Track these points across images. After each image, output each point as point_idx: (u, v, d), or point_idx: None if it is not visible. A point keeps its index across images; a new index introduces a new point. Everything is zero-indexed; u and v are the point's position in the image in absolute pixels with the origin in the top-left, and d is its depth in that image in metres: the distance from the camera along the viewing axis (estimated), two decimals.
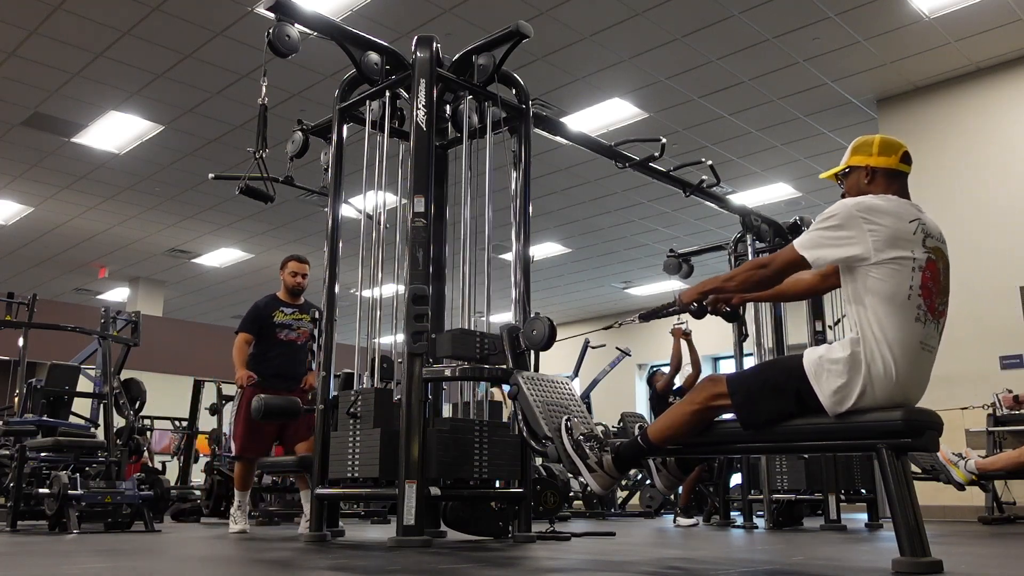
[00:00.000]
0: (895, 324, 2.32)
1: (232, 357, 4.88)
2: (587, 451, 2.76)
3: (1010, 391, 6.53)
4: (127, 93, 7.64)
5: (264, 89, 4.09)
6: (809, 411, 2.39)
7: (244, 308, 5.23)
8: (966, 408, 6.76)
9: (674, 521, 6.20)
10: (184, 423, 8.97)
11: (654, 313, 2.97)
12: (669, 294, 13.57)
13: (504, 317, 4.21)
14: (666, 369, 7.05)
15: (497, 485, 3.91)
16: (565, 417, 2.89)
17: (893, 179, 2.52)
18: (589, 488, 2.80)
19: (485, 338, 3.71)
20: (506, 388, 3.37)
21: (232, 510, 4.71)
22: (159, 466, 8.75)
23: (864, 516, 6.28)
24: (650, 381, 7.20)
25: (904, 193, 2.52)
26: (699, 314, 2.79)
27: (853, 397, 2.32)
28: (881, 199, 2.42)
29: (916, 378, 2.37)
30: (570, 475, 6.46)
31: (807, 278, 2.76)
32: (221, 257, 12.53)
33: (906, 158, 2.56)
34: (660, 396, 6.87)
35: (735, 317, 2.93)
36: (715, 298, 2.74)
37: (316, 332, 5.02)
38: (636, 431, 2.71)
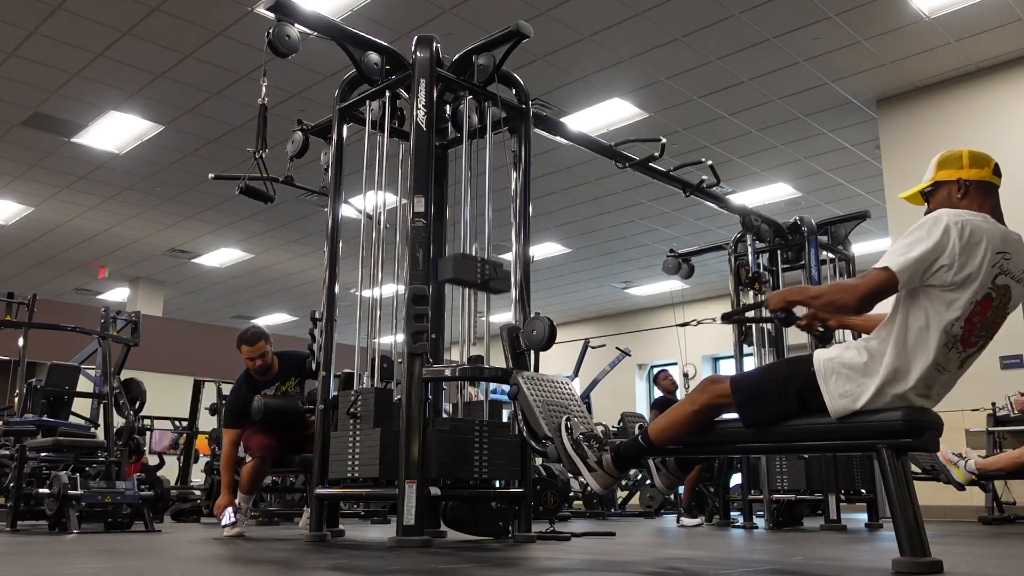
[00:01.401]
0: (926, 346, 2.27)
1: (222, 460, 4.61)
2: (587, 451, 2.77)
3: (1022, 393, 6.51)
4: (127, 93, 7.64)
5: (264, 89, 4.09)
6: (810, 411, 2.38)
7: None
8: (976, 410, 6.75)
9: (678, 521, 6.20)
10: (184, 423, 8.97)
11: (737, 313, 2.89)
12: (668, 295, 13.59)
13: (504, 317, 4.21)
14: (670, 368, 7.07)
15: (497, 485, 3.91)
16: (565, 417, 2.89)
17: (988, 193, 2.38)
18: (589, 488, 2.80)
19: (486, 263, 3.75)
20: (506, 388, 3.37)
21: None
22: (155, 459, 8.77)
23: (864, 516, 6.27)
24: (656, 381, 7.26)
25: (999, 210, 2.38)
26: (786, 322, 2.68)
27: (861, 402, 2.31)
28: (979, 218, 2.28)
29: (927, 394, 2.34)
30: (570, 475, 6.46)
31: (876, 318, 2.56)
32: (221, 257, 12.54)
33: (998, 170, 2.42)
34: (667, 402, 6.90)
35: (827, 339, 2.79)
36: (812, 315, 2.64)
37: (304, 381, 4.79)
38: (636, 431, 2.72)
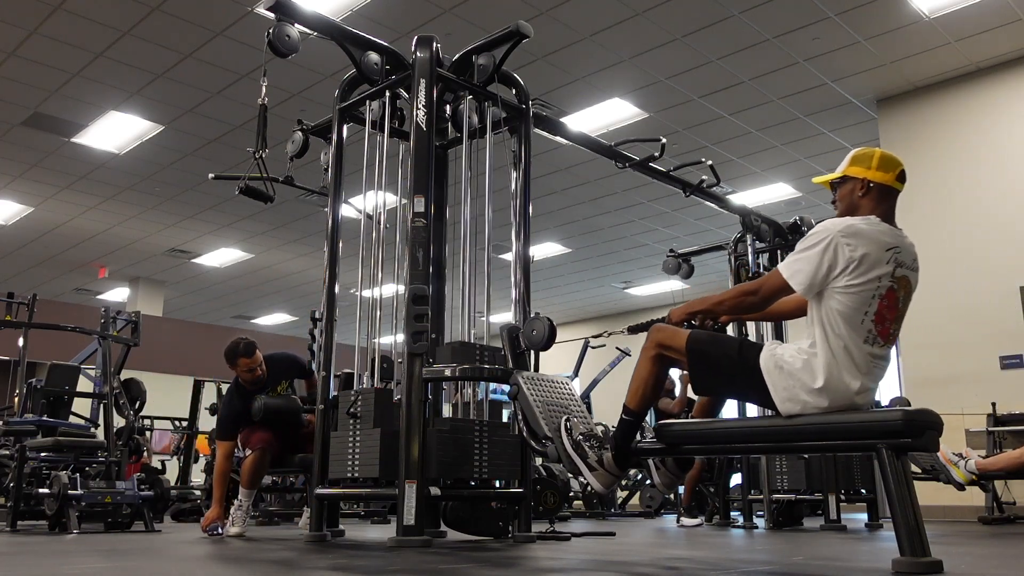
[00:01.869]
0: (849, 344, 2.43)
1: (215, 471, 4.55)
2: (587, 450, 2.78)
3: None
4: (127, 93, 7.64)
5: (264, 89, 4.09)
6: (757, 396, 2.55)
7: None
8: (978, 414, 6.75)
9: (678, 521, 6.20)
10: (184, 423, 8.97)
11: (643, 327, 3.06)
12: (668, 294, 13.60)
13: (504, 317, 4.21)
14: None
15: (497, 485, 3.91)
16: (564, 417, 2.90)
17: (886, 196, 2.57)
18: (590, 487, 2.81)
19: (484, 350, 3.76)
20: (506, 388, 3.37)
21: (232, 510, 4.54)
22: (159, 464, 8.76)
23: (864, 516, 6.27)
24: None
25: (891, 213, 2.58)
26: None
27: (799, 406, 2.46)
28: (865, 223, 2.48)
29: (865, 385, 2.46)
30: (570, 475, 6.46)
31: (795, 298, 2.74)
32: (221, 257, 12.54)
33: (902, 176, 2.60)
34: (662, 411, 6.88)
35: (722, 332, 2.98)
36: (703, 319, 2.80)
37: (294, 382, 4.77)
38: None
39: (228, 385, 5.04)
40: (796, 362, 2.46)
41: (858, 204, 2.56)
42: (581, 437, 2.81)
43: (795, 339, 2.65)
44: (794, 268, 2.47)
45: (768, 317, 2.76)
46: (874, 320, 2.44)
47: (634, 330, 3.11)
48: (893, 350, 2.54)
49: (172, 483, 7.50)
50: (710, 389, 2.75)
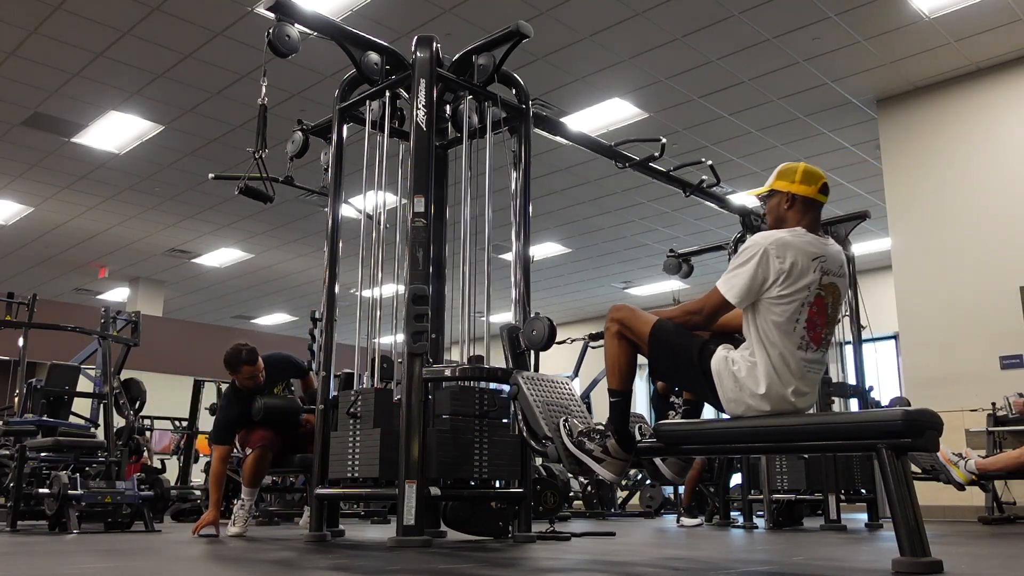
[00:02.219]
0: (784, 352, 2.56)
1: (211, 475, 4.46)
2: (589, 445, 2.79)
3: (1021, 395, 6.50)
4: (127, 93, 7.64)
5: (264, 89, 4.09)
6: (712, 401, 2.67)
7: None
8: (975, 410, 6.75)
9: (678, 521, 6.20)
10: (184, 423, 8.97)
11: (601, 336, 3.24)
12: (668, 294, 13.58)
13: (504, 317, 4.21)
14: None
15: (497, 485, 3.91)
16: (563, 418, 2.90)
17: (809, 208, 2.71)
18: (602, 479, 2.83)
19: (484, 393, 3.78)
20: (505, 388, 3.37)
21: (235, 509, 4.53)
22: (159, 464, 8.76)
23: (864, 516, 6.27)
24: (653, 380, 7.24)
25: (816, 223, 2.72)
26: None
27: (742, 408, 2.59)
28: (791, 235, 2.62)
29: (801, 390, 2.59)
30: (570, 475, 6.46)
31: (740, 312, 2.83)
32: (221, 257, 12.54)
33: (824, 189, 2.75)
34: (662, 396, 6.87)
35: None
36: None
37: (290, 382, 4.79)
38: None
39: (226, 386, 5.03)
40: (742, 369, 2.59)
41: (784, 216, 2.71)
42: (581, 434, 2.82)
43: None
44: (730, 284, 2.60)
45: (720, 332, 2.81)
46: (806, 327, 2.57)
47: (595, 337, 3.29)
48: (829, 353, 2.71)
49: (172, 483, 7.50)
50: (665, 378, 2.92)
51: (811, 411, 2.71)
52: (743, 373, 2.58)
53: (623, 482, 9.26)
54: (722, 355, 2.64)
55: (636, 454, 2.85)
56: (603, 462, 2.75)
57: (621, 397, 2.80)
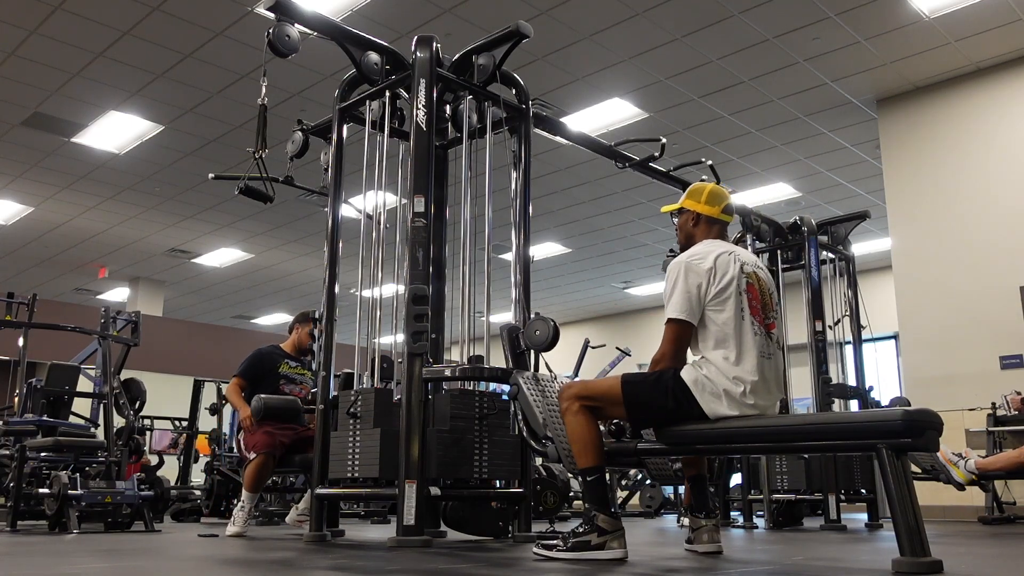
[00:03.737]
0: (734, 343, 2.69)
1: (230, 399, 4.85)
2: (586, 537, 2.71)
3: (1019, 392, 6.51)
4: (127, 93, 7.64)
5: (264, 89, 4.09)
6: (692, 418, 2.69)
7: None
8: (973, 409, 6.76)
9: (678, 521, 6.19)
10: (184, 423, 8.97)
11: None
12: None
13: (504, 317, 4.21)
14: None
15: (497, 485, 3.91)
16: (544, 543, 2.83)
17: (714, 225, 3.00)
18: (614, 556, 2.74)
19: (484, 396, 3.78)
20: (505, 388, 3.37)
21: (235, 511, 4.53)
22: (155, 459, 8.77)
23: (864, 516, 6.27)
24: None
25: (723, 237, 3.00)
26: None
27: (722, 411, 2.65)
28: (699, 246, 2.88)
29: (764, 385, 2.71)
30: (570, 475, 6.45)
31: None
32: (221, 257, 12.54)
33: (728, 209, 3.04)
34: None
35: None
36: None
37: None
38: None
39: (227, 384, 5.06)
40: (709, 373, 2.69)
41: (692, 233, 3.00)
42: (568, 537, 2.74)
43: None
44: (676, 308, 2.74)
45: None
46: (751, 313, 2.74)
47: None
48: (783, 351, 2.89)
49: (172, 483, 7.50)
50: (647, 423, 2.85)
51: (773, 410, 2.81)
52: (697, 374, 2.69)
53: (623, 482, 9.26)
54: (689, 373, 2.71)
55: (636, 454, 2.85)
56: (608, 547, 2.67)
57: (598, 473, 2.75)
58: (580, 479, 2.77)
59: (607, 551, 2.67)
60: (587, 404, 2.77)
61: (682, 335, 2.75)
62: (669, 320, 2.76)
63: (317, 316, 4.25)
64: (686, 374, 2.70)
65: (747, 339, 2.70)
